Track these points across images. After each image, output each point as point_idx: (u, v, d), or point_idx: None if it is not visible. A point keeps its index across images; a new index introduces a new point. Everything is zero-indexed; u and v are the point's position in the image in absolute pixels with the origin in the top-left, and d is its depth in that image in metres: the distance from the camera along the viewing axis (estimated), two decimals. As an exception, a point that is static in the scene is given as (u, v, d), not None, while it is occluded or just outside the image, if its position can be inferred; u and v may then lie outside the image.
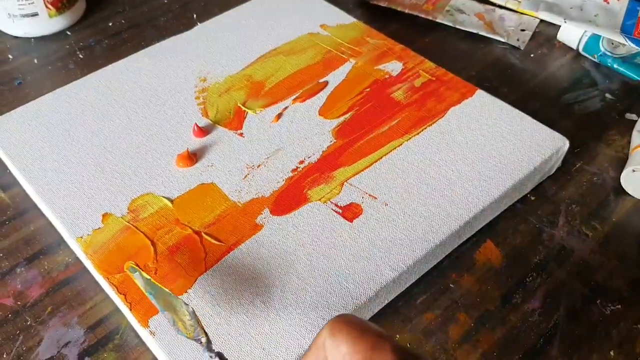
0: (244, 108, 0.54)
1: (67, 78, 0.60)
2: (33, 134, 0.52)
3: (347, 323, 0.30)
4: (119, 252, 0.44)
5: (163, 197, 0.47)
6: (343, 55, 0.60)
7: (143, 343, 0.42)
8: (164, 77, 0.57)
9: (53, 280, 0.45)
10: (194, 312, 0.38)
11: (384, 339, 0.29)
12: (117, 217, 0.46)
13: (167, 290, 0.39)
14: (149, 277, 0.40)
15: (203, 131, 0.52)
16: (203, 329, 0.37)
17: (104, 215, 0.46)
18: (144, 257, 0.43)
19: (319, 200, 0.47)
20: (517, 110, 0.54)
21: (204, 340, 0.37)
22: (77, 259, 0.46)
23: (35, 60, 0.64)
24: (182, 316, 0.38)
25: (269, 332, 0.39)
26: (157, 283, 0.40)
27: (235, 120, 0.53)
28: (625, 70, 0.63)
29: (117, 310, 0.43)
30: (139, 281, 0.40)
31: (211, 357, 0.36)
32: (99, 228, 0.45)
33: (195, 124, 0.52)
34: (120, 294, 0.41)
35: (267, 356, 0.38)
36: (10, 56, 0.64)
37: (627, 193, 0.52)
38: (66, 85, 0.57)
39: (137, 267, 0.41)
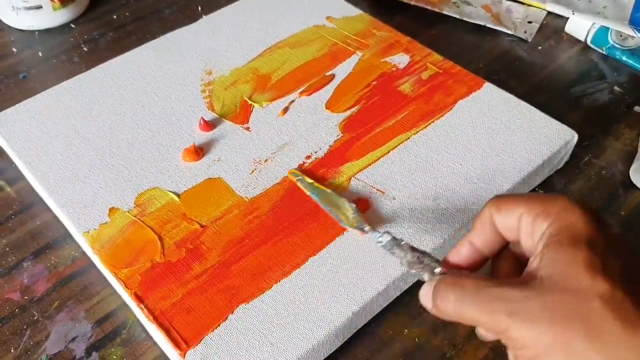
0: (250, 102, 0.54)
1: (72, 71, 0.59)
2: (38, 127, 0.52)
3: (511, 195, 0.33)
4: (125, 246, 0.43)
5: (170, 191, 0.47)
6: (349, 48, 0.59)
7: (150, 338, 0.42)
8: (169, 70, 0.57)
9: (60, 274, 0.45)
10: (356, 208, 0.43)
11: (554, 195, 0.31)
12: (124, 212, 0.46)
13: (329, 191, 0.45)
14: (312, 181, 0.45)
15: (209, 125, 0.51)
16: (364, 220, 0.42)
17: (110, 210, 0.46)
18: (150, 252, 0.43)
19: (326, 194, 0.47)
20: (525, 103, 0.54)
21: (367, 228, 0.41)
22: (84, 253, 0.46)
23: (40, 54, 0.63)
24: (345, 211, 0.43)
25: (277, 327, 0.39)
26: (320, 186, 0.45)
27: (242, 114, 0.53)
28: (634, 63, 0.62)
29: (124, 304, 0.43)
30: (302, 184, 0.45)
31: (380, 236, 0.38)
32: (106, 222, 0.45)
33: (202, 117, 0.51)
34: (127, 288, 0.41)
35: (276, 351, 0.38)
36: (14, 49, 0.64)
37: (636, 187, 0.52)
38: (71, 78, 0.56)
39: (299, 172, 0.45)
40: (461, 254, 0.34)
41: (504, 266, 0.33)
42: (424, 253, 0.35)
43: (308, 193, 0.45)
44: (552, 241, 0.29)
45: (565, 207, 0.30)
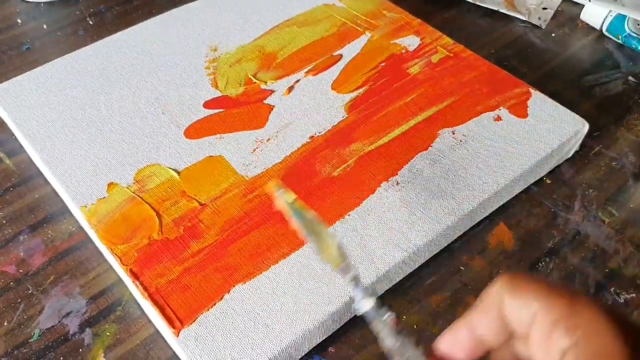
0: (254, 80, 0.53)
1: (76, 44, 0.58)
2: (40, 100, 0.51)
3: (531, 280, 0.25)
4: (123, 222, 0.43)
5: (170, 168, 0.46)
6: (358, 28, 0.58)
7: (145, 315, 0.41)
8: (174, 45, 0.56)
9: (56, 249, 0.45)
10: (340, 244, 0.33)
11: (578, 294, 0.25)
12: (123, 187, 0.45)
13: (312, 215, 0.34)
14: (293, 199, 0.34)
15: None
16: (346, 258, 0.32)
17: (109, 185, 0.45)
18: (148, 229, 0.42)
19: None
20: (536, 91, 0.52)
21: (350, 275, 0.32)
22: (81, 228, 0.45)
23: (45, 26, 0.63)
24: (328, 245, 0.33)
25: (272, 309, 0.38)
26: (303, 207, 0.34)
27: (246, 92, 0.52)
28: (650, 53, 0.61)
29: (120, 281, 0.43)
30: (283, 202, 0.34)
31: (361, 298, 0.30)
32: (104, 197, 0.44)
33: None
34: (123, 264, 0.40)
35: (270, 333, 0.37)
36: (19, 21, 0.63)
37: (647, 179, 0.51)
38: (75, 51, 0.55)
39: (281, 185, 0.34)
40: (457, 340, 0.27)
41: None
42: (406, 337, 0.28)
43: (288, 215, 0.34)
44: None
45: (592, 319, 0.23)
